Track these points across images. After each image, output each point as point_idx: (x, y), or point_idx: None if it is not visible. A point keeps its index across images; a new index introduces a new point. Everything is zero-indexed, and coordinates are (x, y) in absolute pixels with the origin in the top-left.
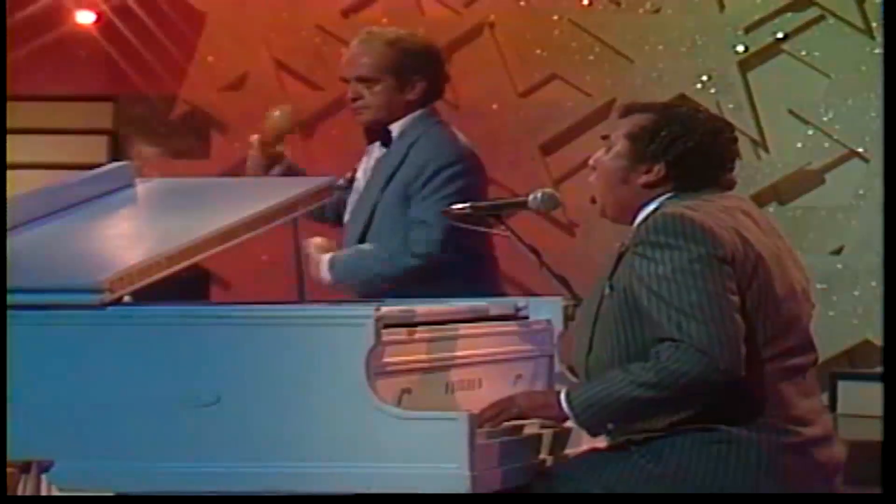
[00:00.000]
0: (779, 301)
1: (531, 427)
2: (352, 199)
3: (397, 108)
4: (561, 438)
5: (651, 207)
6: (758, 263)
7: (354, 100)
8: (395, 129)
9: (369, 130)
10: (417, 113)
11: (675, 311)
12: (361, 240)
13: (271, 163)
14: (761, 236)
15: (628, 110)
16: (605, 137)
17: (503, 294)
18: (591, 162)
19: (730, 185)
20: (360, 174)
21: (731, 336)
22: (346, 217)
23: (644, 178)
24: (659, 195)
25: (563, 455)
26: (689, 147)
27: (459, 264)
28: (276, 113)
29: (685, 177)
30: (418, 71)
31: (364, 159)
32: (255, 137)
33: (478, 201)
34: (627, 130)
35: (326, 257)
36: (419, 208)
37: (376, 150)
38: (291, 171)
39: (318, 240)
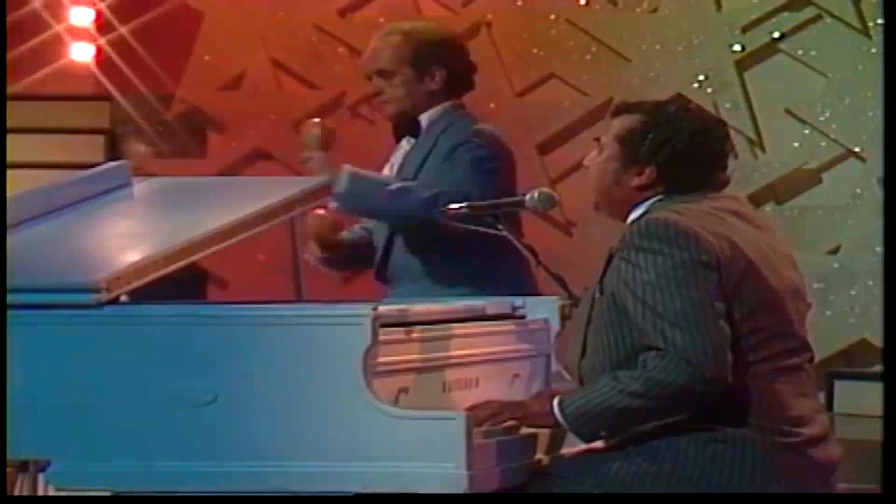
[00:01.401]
0: (772, 303)
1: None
2: None
3: (419, 98)
4: (557, 438)
5: (642, 209)
6: (747, 267)
7: (377, 94)
8: (424, 120)
9: (397, 127)
10: (445, 104)
11: (659, 318)
12: (392, 233)
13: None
14: (753, 238)
15: (618, 111)
16: (597, 140)
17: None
18: (585, 162)
19: (723, 184)
20: (385, 171)
21: (716, 344)
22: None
23: (636, 181)
24: (652, 195)
25: (559, 454)
26: (678, 149)
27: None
28: (314, 132)
29: (677, 178)
30: (436, 60)
31: (391, 158)
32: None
33: (506, 188)
34: (616, 133)
35: (349, 170)
36: (448, 176)
37: (404, 145)
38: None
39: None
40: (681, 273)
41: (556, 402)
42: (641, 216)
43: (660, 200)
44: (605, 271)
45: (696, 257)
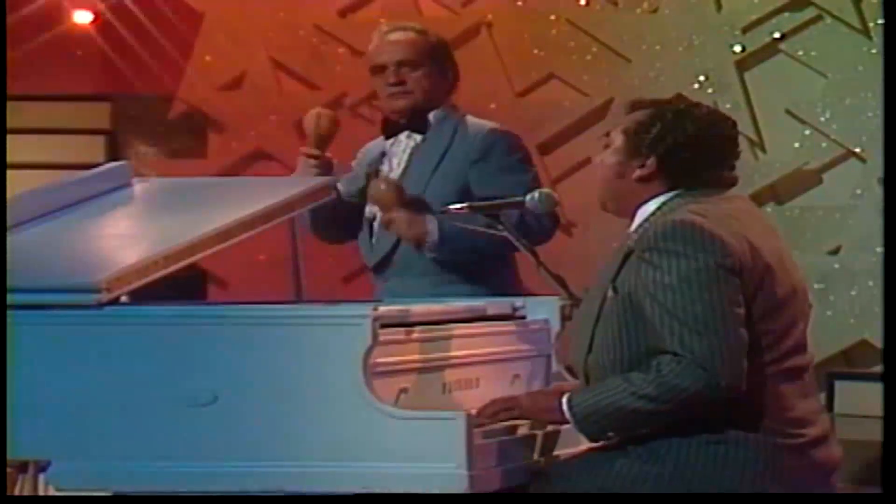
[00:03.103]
0: (781, 305)
1: (528, 427)
2: None
3: (437, 94)
4: (551, 439)
5: (652, 207)
6: (765, 271)
7: (396, 83)
8: (432, 116)
9: (389, 124)
10: (447, 103)
11: (678, 323)
12: None
13: (323, 171)
14: (766, 240)
15: (632, 107)
16: (606, 135)
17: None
18: (595, 160)
19: (730, 184)
20: (384, 168)
21: (733, 351)
22: (376, 210)
23: (638, 173)
24: (657, 192)
25: (553, 455)
26: (679, 140)
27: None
28: (315, 116)
29: (678, 171)
30: (450, 60)
31: (388, 152)
32: (304, 150)
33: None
34: (624, 126)
35: (432, 218)
36: (509, 186)
37: (403, 140)
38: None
39: (386, 192)
40: (703, 277)
41: (564, 399)
42: (654, 212)
43: (672, 199)
44: (619, 270)
45: (720, 261)
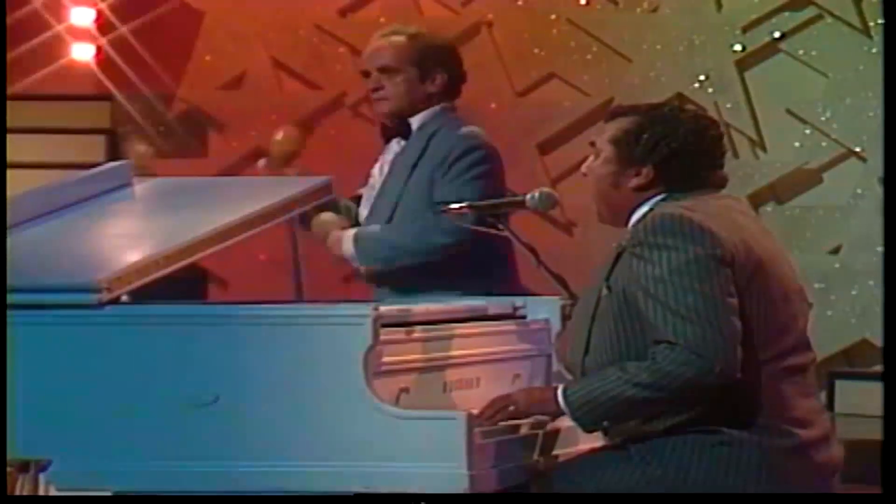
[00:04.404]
0: (777, 302)
1: (528, 427)
2: (368, 197)
3: (417, 99)
4: (551, 439)
5: (644, 209)
6: (758, 264)
7: (375, 90)
8: (415, 122)
9: (386, 128)
10: (437, 107)
11: (670, 312)
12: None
13: None
14: (759, 237)
15: (612, 114)
16: (592, 144)
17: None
18: (582, 170)
19: (721, 183)
20: (375, 171)
21: (726, 338)
22: (364, 215)
23: (634, 182)
24: (651, 197)
25: (553, 455)
26: (673, 147)
27: (484, 256)
28: (280, 136)
29: (675, 177)
30: (439, 64)
31: (380, 158)
32: (262, 162)
33: (499, 189)
34: (611, 135)
35: (350, 232)
36: (447, 191)
37: (394, 146)
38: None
39: (327, 215)
40: (693, 268)
41: (560, 389)
42: (647, 213)
43: (663, 199)
44: (612, 268)
45: (709, 252)
